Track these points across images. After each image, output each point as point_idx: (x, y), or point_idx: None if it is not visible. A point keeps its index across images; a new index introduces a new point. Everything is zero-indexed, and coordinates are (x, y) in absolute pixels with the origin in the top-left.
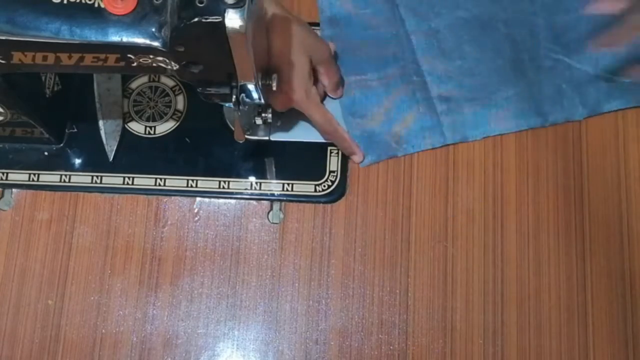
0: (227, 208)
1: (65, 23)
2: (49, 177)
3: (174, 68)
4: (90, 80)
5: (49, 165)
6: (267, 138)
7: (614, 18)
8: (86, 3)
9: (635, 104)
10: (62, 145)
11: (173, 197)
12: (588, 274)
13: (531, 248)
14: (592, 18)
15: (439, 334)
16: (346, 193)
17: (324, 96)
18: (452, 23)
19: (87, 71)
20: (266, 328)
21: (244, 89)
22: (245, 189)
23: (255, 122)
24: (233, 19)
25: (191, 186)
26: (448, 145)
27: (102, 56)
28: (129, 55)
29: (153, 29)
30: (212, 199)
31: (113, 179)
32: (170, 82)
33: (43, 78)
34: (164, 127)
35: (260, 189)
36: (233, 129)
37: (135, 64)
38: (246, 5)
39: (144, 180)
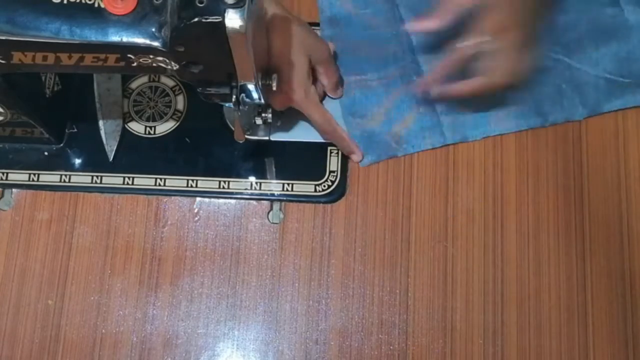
0: (227, 208)
1: (65, 23)
2: (49, 177)
3: (174, 68)
4: (90, 80)
5: (49, 165)
6: (267, 138)
7: (614, 18)
8: (86, 3)
9: (635, 103)
10: (62, 145)
11: (173, 197)
12: (588, 274)
13: (531, 248)
14: (592, 19)
15: (439, 334)
16: (346, 193)
17: (323, 96)
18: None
19: (87, 71)
20: (266, 328)
21: (244, 89)
22: (245, 189)
23: (255, 122)
24: (233, 19)
25: (191, 186)
26: (448, 145)
27: (102, 56)
28: (129, 55)
29: (153, 29)
30: (212, 199)
31: (113, 179)
32: (170, 82)
33: (43, 78)
34: (164, 127)
35: (260, 189)
36: (233, 129)
37: (135, 64)
38: (246, 5)
39: (144, 180)
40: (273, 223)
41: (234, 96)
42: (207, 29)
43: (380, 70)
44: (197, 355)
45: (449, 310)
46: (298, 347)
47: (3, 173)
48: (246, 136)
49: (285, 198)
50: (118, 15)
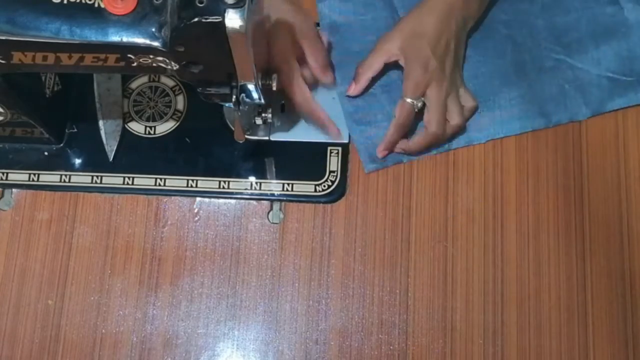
0: (227, 208)
1: (65, 23)
2: (49, 177)
3: (174, 68)
4: (90, 80)
5: (49, 165)
6: (267, 138)
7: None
8: (86, 3)
9: (638, 101)
10: (62, 145)
11: (173, 197)
12: (588, 274)
13: (531, 248)
14: (592, 18)
15: (439, 334)
16: (346, 193)
17: (313, 81)
18: None
19: (87, 71)
20: (266, 328)
21: (244, 89)
22: (245, 189)
23: (255, 122)
24: (233, 19)
25: (191, 186)
26: None
27: (102, 56)
28: (129, 55)
29: (153, 29)
30: (212, 199)
31: (113, 179)
32: (170, 82)
33: (43, 78)
34: (164, 127)
35: (260, 189)
36: (233, 129)
37: (135, 64)
38: (246, 5)
39: (144, 180)
40: (273, 223)
41: (234, 96)
42: (207, 29)
43: (382, 76)
44: (197, 355)
45: (449, 310)
46: (298, 347)
47: (3, 173)
48: (246, 136)
49: (285, 198)
50: (118, 15)
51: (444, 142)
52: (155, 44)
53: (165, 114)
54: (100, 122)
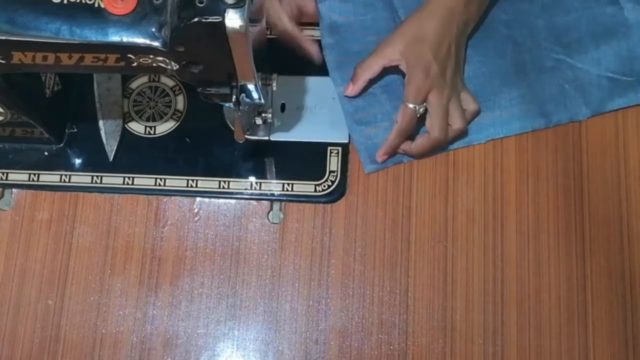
0: (227, 208)
1: (65, 23)
2: (49, 177)
3: (174, 68)
4: (90, 80)
5: (49, 165)
6: (267, 138)
7: (613, 16)
8: (86, 3)
9: (638, 101)
10: (62, 145)
11: (173, 197)
12: (588, 274)
13: (531, 248)
14: (592, 18)
15: (439, 334)
16: (346, 193)
17: (299, 16)
18: None
19: (87, 71)
20: (266, 328)
21: (244, 89)
22: (245, 189)
23: (255, 122)
24: (233, 19)
25: (191, 186)
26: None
27: (102, 56)
28: (129, 55)
29: (153, 29)
30: (212, 199)
31: (113, 179)
32: (170, 82)
33: (43, 78)
34: (164, 127)
35: (260, 189)
36: (233, 129)
37: (135, 64)
38: (246, 5)
39: (144, 180)
40: (273, 223)
41: (234, 96)
42: (207, 29)
43: (382, 77)
44: (197, 355)
45: (449, 310)
46: (298, 347)
47: (3, 173)
48: (246, 136)
49: (285, 198)
50: (118, 15)
51: (446, 146)
52: (155, 44)
53: (165, 114)
54: (100, 122)
